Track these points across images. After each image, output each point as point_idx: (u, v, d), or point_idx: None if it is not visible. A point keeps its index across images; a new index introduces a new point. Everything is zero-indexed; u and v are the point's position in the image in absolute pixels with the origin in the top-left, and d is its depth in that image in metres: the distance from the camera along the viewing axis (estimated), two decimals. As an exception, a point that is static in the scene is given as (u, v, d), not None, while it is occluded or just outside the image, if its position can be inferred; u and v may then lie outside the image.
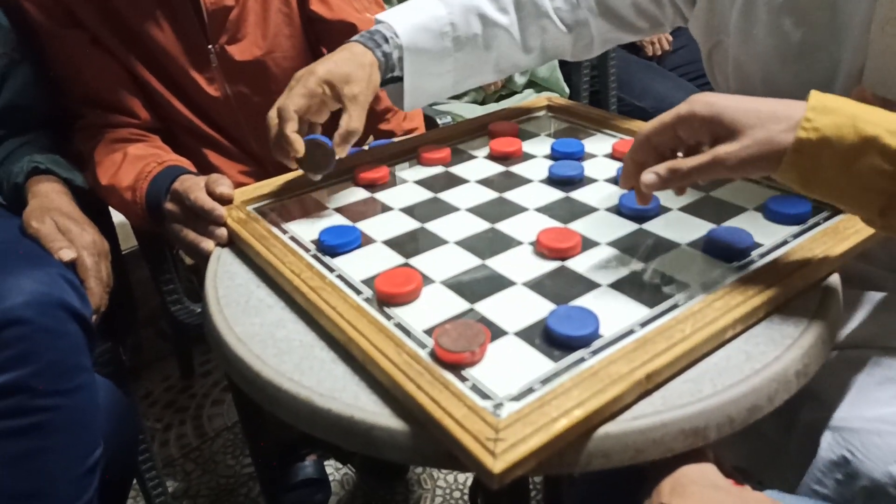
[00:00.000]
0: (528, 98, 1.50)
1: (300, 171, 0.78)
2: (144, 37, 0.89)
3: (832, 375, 0.71)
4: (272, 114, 0.69)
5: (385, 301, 0.55)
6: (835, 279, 0.56)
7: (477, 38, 0.81)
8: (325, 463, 1.28)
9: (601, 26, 0.85)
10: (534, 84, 1.56)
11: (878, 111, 0.46)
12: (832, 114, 0.46)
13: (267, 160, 1.04)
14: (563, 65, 1.58)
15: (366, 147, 0.85)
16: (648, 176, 0.52)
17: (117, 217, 0.96)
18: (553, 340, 0.49)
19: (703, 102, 0.50)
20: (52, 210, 0.76)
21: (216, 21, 0.91)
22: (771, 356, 0.48)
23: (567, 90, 1.58)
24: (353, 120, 0.69)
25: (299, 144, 0.68)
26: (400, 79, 0.79)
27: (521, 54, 0.84)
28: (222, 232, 0.68)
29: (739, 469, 0.89)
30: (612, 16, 0.84)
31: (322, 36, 1.03)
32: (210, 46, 0.92)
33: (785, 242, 0.59)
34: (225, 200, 0.70)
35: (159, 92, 0.93)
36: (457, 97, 1.47)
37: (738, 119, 0.49)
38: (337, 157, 0.70)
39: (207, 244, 0.68)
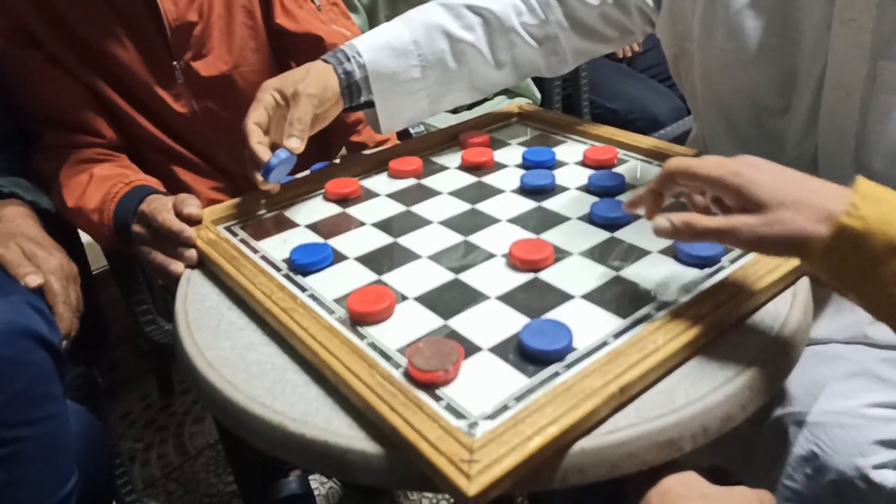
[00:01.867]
0: (499, 105, 1.50)
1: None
2: (106, 55, 0.87)
3: (799, 370, 0.72)
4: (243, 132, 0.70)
5: (358, 320, 0.54)
6: (804, 283, 0.56)
7: (444, 54, 0.81)
8: (310, 477, 1.27)
9: (571, 39, 0.85)
10: (506, 91, 1.56)
11: None
12: (880, 203, 0.43)
13: (238, 175, 1.03)
14: (535, 69, 1.59)
15: (336, 160, 0.85)
16: (662, 221, 0.51)
17: (86, 237, 0.95)
18: (527, 355, 0.49)
19: (733, 171, 0.47)
20: (16, 235, 0.74)
21: (180, 37, 0.90)
22: (743, 363, 0.48)
23: (539, 95, 1.58)
24: (296, 111, 0.71)
25: (265, 154, 0.68)
26: (374, 103, 0.79)
27: (494, 70, 0.84)
28: (192, 254, 0.67)
29: (716, 467, 0.90)
30: (582, 27, 0.84)
31: (289, 49, 1.02)
32: (175, 63, 0.91)
33: (754, 247, 0.59)
34: (193, 221, 0.69)
35: (124, 110, 0.91)
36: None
37: (764, 197, 0.46)
38: (291, 152, 0.70)
39: (177, 266, 0.67)
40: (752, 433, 0.76)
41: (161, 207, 0.70)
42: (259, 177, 0.70)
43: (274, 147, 0.71)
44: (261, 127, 0.71)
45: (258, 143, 0.69)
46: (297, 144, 0.70)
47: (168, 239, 0.68)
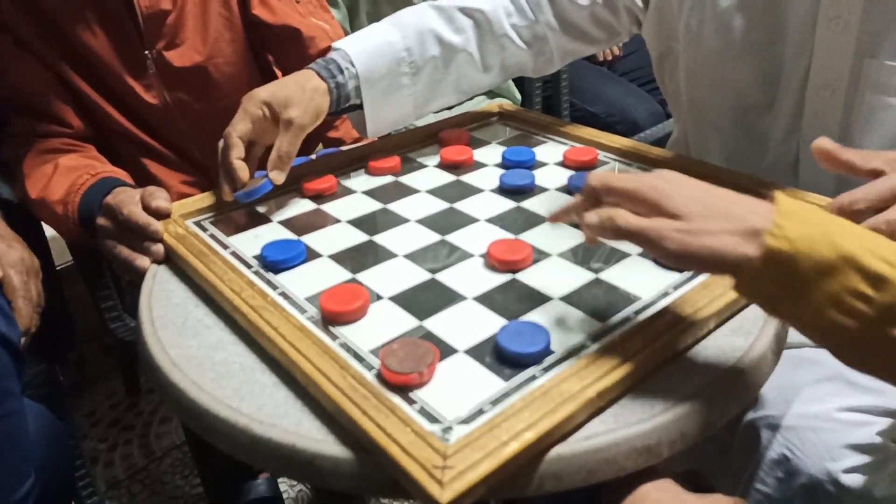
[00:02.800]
0: (480, 105, 1.49)
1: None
2: (76, 41, 0.84)
3: (774, 374, 0.72)
4: (220, 142, 0.69)
5: (330, 320, 0.52)
6: (783, 288, 0.56)
7: (435, 60, 0.79)
8: (280, 480, 1.24)
9: (560, 40, 0.84)
10: (487, 91, 1.55)
11: (851, 225, 0.41)
12: (804, 223, 0.40)
13: (210, 169, 1.00)
14: (515, 70, 1.58)
15: (313, 156, 0.83)
16: (591, 217, 0.47)
17: (50, 231, 0.92)
18: (503, 358, 0.48)
19: (650, 185, 0.44)
20: (-25, 227, 0.71)
21: (152, 26, 0.87)
22: (722, 369, 0.48)
23: (519, 97, 1.58)
24: (285, 144, 0.69)
25: (243, 172, 0.67)
26: (360, 106, 0.78)
27: (481, 74, 0.83)
28: (158, 248, 0.65)
29: (691, 472, 0.90)
30: (571, 28, 0.83)
31: (266, 41, 1.00)
32: (147, 52, 0.88)
33: (734, 251, 0.59)
34: (161, 214, 0.67)
35: (93, 99, 0.88)
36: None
37: (683, 209, 0.43)
38: (273, 184, 0.69)
39: (142, 261, 0.64)
40: (726, 437, 0.76)
41: (128, 200, 0.68)
42: (227, 190, 0.68)
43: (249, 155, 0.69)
44: (243, 140, 0.68)
45: (237, 160, 0.67)
46: (280, 179, 0.69)
47: (134, 233, 0.66)
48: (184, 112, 0.93)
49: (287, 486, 1.27)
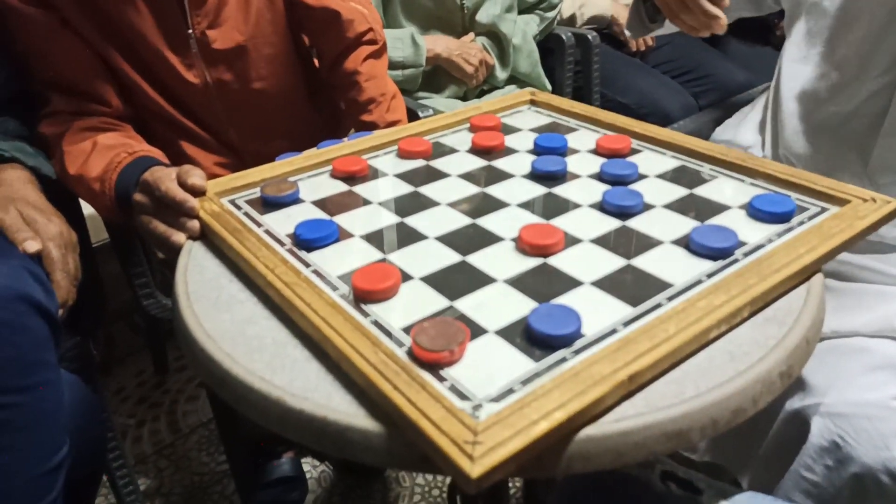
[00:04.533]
0: (510, 93, 1.49)
1: (277, 163, 0.76)
2: (121, 21, 0.86)
3: (820, 363, 0.71)
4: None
5: (362, 298, 0.53)
6: (818, 279, 0.55)
7: None
8: (302, 460, 1.26)
9: None
10: (515, 80, 1.55)
11: None
12: None
13: (245, 151, 1.01)
14: (546, 59, 1.57)
15: (345, 139, 0.83)
16: None
17: (87, 209, 0.94)
18: (534, 339, 0.48)
19: None
20: (16, 200, 0.73)
21: (196, 3, 0.88)
22: (755, 357, 0.47)
23: (549, 86, 1.57)
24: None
25: None
26: None
27: None
28: (194, 224, 0.65)
29: (713, 465, 0.89)
30: None
31: (304, 22, 1.01)
32: (190, 31, 0.89)
33: (769, 241, 0.58)
34: (197, 192, 0.68)
35: (133, 79, 0.90)
36: (438, 92, 1.45)
37: None
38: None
39: (178, 237, 0.65)
40: (756, 430, 0.75)
41: (164, 177, 0.69)
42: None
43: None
44: None
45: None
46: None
47: (170, 208, 0.67)
48: (222, 93, 0.94)
49: (310, 467, 1.29)
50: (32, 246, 0.68)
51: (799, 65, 0.86)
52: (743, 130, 0.99)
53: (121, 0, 0.85)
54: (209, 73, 0.92)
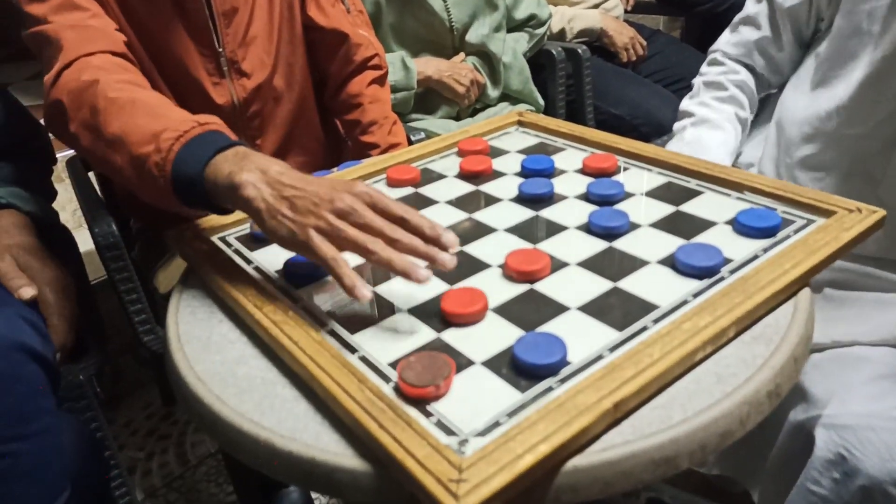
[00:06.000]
0: (502, 112, 1.50)
1: None
2: (160, 40, 0.88)
3: (821, 374, 0.70)
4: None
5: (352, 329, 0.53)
6: (805, 294, 0.55)
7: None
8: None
9: None
10: (508, 97, 1.55)
11: None
12: None
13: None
14: (537, 75, 1.58)
15: (335, 170, 0.84)
16: None
17: (85, 246, 0.94)
18: (520, 370, 0.48)
19: None
20: (11, 246, 0.74)
21: (226, 23, 0.90)
22: (742, 377, 0.47)
23: (542, 102, 1.57)
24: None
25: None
26: None
27: None
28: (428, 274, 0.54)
29: (723, 477, 0.88)
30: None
31: (315, 45, 1.04)
32: (220, 50, 0.91)
33: (755, 257, 0.58)
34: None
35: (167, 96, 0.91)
36: (431, 113, 1.46)
37: None
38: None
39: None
40: (765, 441, 0.74)
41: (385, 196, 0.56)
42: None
43: None
44: None
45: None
46: None
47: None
48: (246, 114, 0.96)
49: (318, 496, 1.29)
50: (28, 292, 0.69)
51: (805, 85, 0.86)
52: (745, 149, 1.00)
53: (161, 17, 0.87)
54: (236, 93, 0.94)
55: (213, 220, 0.72)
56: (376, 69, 1.09)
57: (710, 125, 0.95)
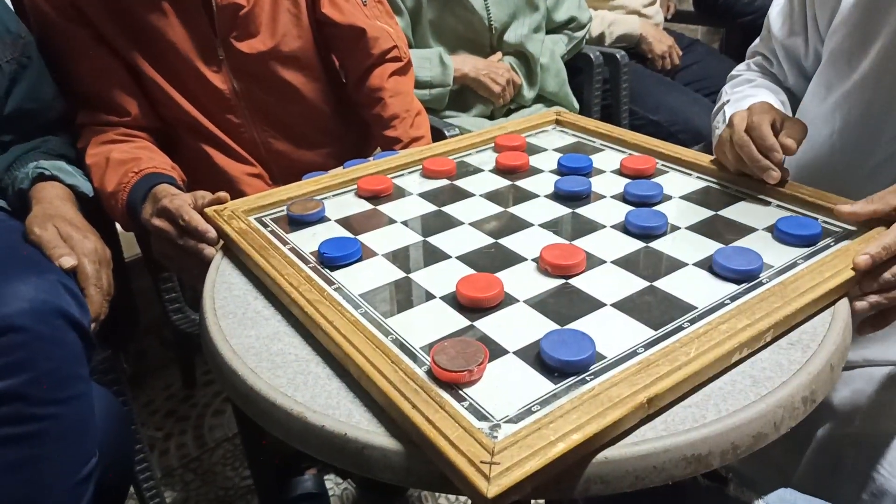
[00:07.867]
0: (537, 112, 1.49)
1: (303, 182, 0.77)
2: (152, 31, 0.89)
3: (851, 392, 0.69)
4: None
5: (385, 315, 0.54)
6: (844, 304, 0.54)
7: None
8: (325, 477, 1.27)
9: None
10: (542, 99, 1.55)
11: None
12: None
13: (272, 162, 1.03)
14: (573, 78, 1.57)
15: (370, 159, 0.85)
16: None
17: (121, 224, 0.96)
18: (545, 365, 0.48)
19: None
20: (54, 217, 0.76)
21: (225, 16, 0.92)
22: (777, 382, 0.47)
23: (577, 105, 1.57)
24: None
25: None
26: None
27: None
28: (212, 251, 0.70)
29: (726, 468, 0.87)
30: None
31: (332, 40, 1.04)
32: (218, 39, 0.92)
33: (794, 265, 0.57)
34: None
35: (164, 89, 0.93)
36: (465, 111, 1.46)
37: None
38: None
39: (208, 251, 0.70)
40: (790, 458, 0.73)
41: (184, 205, 0.73)
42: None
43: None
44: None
45: None
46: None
47: (193, 236, 0.71)
48: (248, 98, 0.97)
49: (332, 484, 1.30)
50: (68, 261, 0.71)
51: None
52: None
53: (151, 9, 0.88)
54: (235, 80, 0.95)
55: (249, 201, 0.73)
56: (396, 61, 1.07)
57: (749, 95, 0.90)
